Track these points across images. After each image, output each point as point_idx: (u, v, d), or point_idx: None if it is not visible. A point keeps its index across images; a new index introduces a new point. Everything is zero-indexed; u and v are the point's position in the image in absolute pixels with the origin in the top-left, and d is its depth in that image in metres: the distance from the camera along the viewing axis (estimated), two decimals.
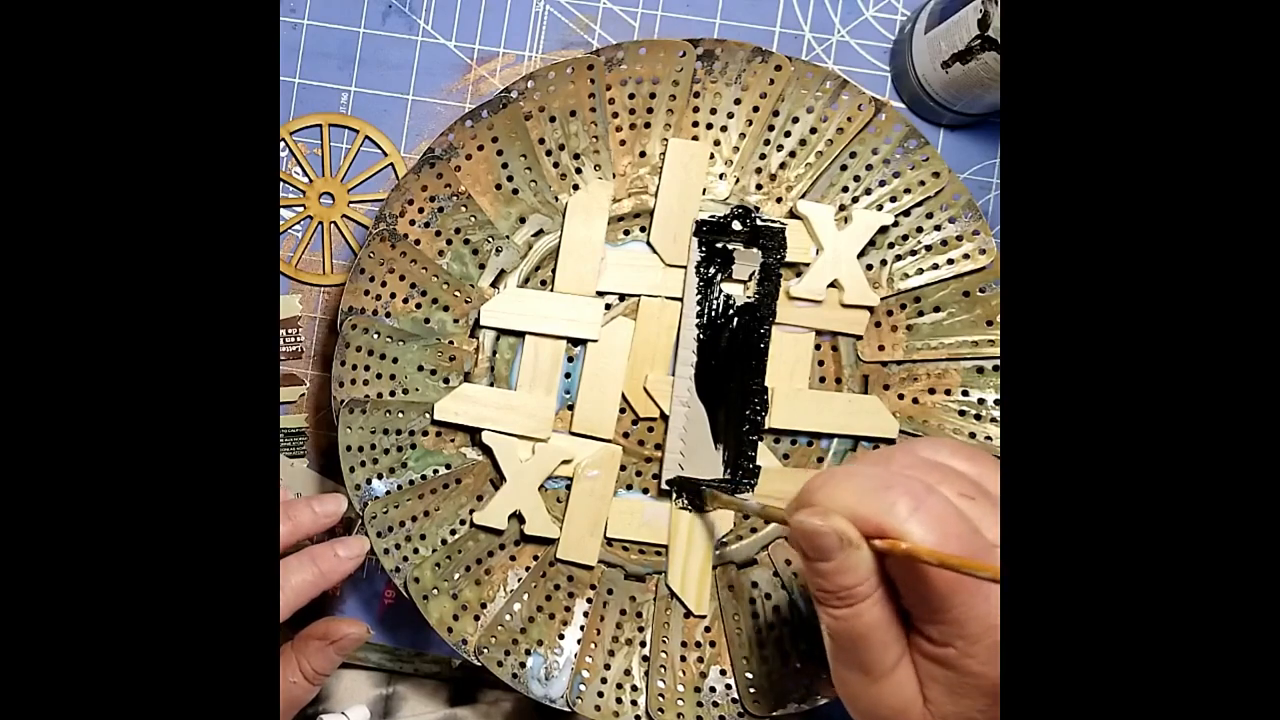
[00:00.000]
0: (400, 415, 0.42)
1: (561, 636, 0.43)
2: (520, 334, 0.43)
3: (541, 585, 0.43)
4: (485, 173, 0.43)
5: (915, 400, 0.43)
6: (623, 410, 0.43)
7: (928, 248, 0.43)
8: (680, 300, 0.43)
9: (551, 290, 0.43)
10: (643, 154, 0.43)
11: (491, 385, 0.43)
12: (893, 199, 0.43)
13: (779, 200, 0.43)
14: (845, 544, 0.29)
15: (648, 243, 0.43)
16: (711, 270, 0.42)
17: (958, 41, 0.40)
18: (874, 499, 0.29)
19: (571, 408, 0.43)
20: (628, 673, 0.43)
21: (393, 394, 0.42)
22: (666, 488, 0.43)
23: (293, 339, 0.48)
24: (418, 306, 0.43)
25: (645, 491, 0.44)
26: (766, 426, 0.43)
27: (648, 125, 0.43)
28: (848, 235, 0.42)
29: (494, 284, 0.43)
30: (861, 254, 0.43)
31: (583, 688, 0.42)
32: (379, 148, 0.47)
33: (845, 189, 0.43)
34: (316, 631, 0.40)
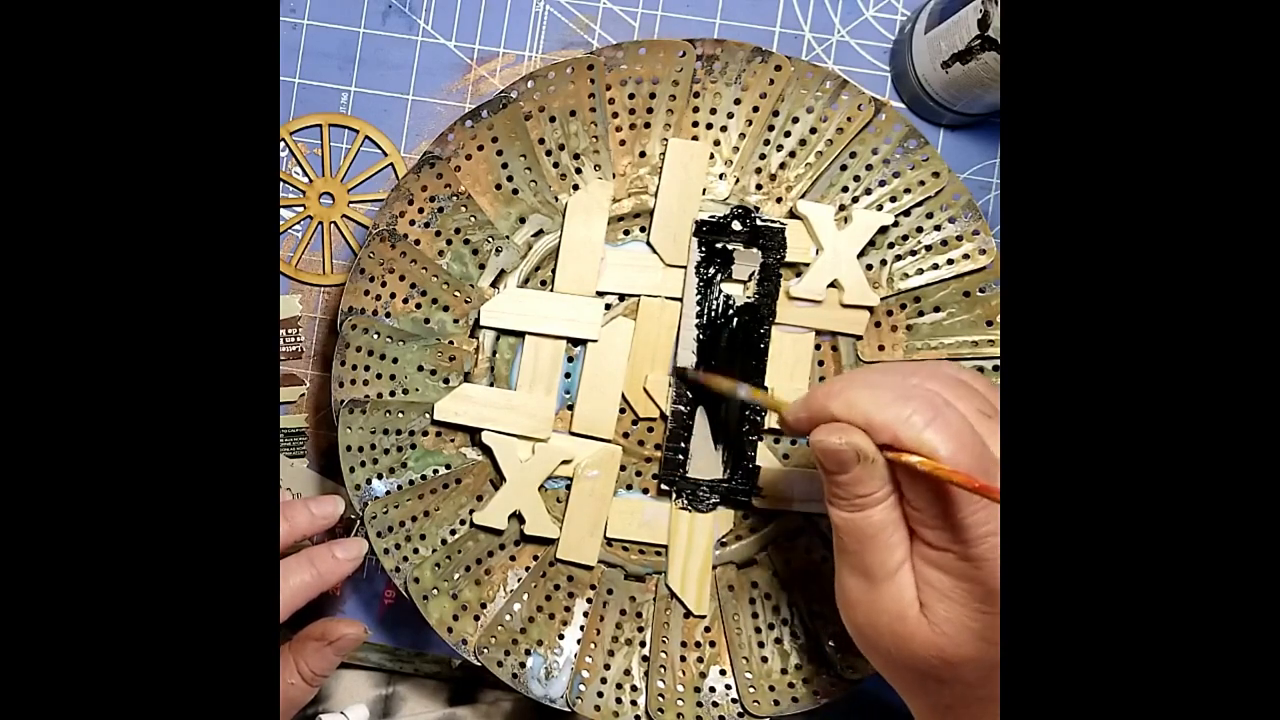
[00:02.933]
0: (400, 415, 0.42)
1: (561, 636, 0.43)
2: (520, 334, 0.43)
3: (541, 585, 0.43)
4: (485, 173, 0.43)
5: None
6: (623, 410, 0.43)
7: (928, 248, 0.43)
8: (680, 300, 0.43)
9: (551, 290, 0.43)
10: (643, 154, 0.43)
11: (491, 385, 0.43)
12: (893, 199, 0.43)
13: (779, 200, 0.43)
14: (862, 459, 0.30)
15: (648, 243, 0.43)
16: (711, 270, 0.42)
17: (958, 41, 0.40)
18: (891, 409, 0.30)
19: (571, 408, 0.43)
20: (628, 673, 0.43)
21: (393, 394, 0.42)
22: (664, 483, 0.43)
23: (293, 339, 0.48)
24: (418, 306, 0.43)
25: (645, 491, 0.44)
26: (766, 426, 0.43)
27: (648, 125, 0.43)
28: (848, 235, 0.42)
29: (494, 284, 0.43)
30: (861, 254, 0.43)
31: (583, 688, 0.42)
32: (379, 148, 0.47)
33: (845, 189, 0.43)
34: (314, 632, 0.40)
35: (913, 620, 0.31)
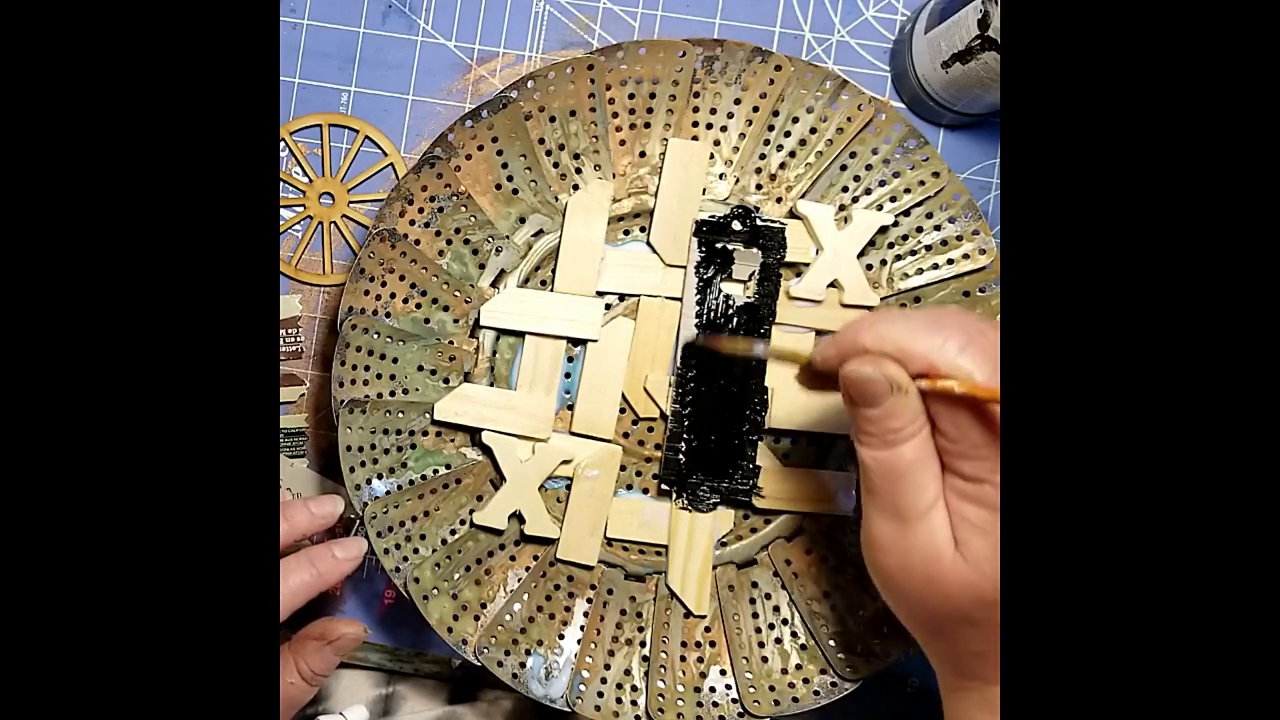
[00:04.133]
0: (400, 415, 0.42)
1: (561, 636, 0.43)
2: (520, 334, 0.43)
3: (541, 585, 0.43)
4: (485, 173, 0.43)
5: None
6: (623, 410, 0.43)
7: (928, 248, 0.43)
8: (680, 300, 0.43)
9: (551, 290, 0.43)
10: (643, 154, 0.43)
11: (491, 385, 0.43)
12: (893, 199, 0.43)
13: (779, 200, 0.43)
14: (895, 389, 0.30)
15: (648, 243, 0.43)
16: (711, 270, 0.42)
17: (958, 41, 0.40)
18: (924, 337, 0.30)
19: (571, 408, 0.43)
20: (628, 673, 0.43)
21: (393, 394, 0.42)
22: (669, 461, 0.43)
23: (293, 339, 0.48)
24: (418, 306, 0.43)
25: (645, 491, 0.44)
26: (766, 426, 0.43)
27: (648, 125, 0.43)
28: (848, 235, 0.42)
29: (494, 284, 0.43)
30: (861, 254, 0.43)
31: (583, 688, 0.42)
32: (379, 148, 0.47)
33: (845, 189, 0.43)
34: (314, 632, 0.40)
35: (948, 560, 0.30)
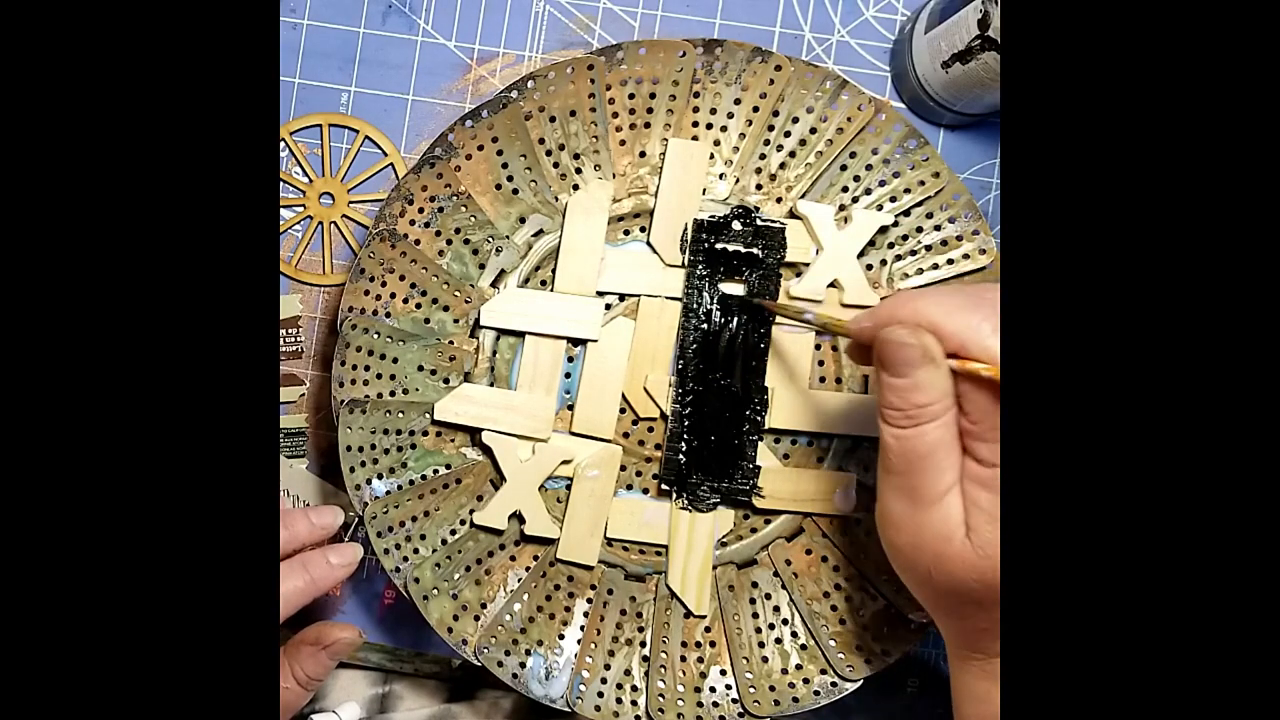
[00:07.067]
0: (400, 415, 0.42)
1: (561, 636, 0.43)
2: (520, 334, 0.43)
3: (541, 585, 0.43)
4: (485, 173, 0.43)
5: None
6: (623, 410, 0.43)
7: (928, 248, 0.43)
8: (681, 300, 0.43)
9: (551, 290, 0.43)
10: (643, 154, 0.43)
11: (491, 385, 0.43)
12: (893, 199, 0.43)
13: (779, 200, 0.43)
14: (927, 360, 0.30)
15: (648, 243, 0.43)
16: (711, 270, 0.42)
17: (958, 41, 0.40)
18: (960, 317, 0.30)
19: (571, 408, 0.43)
20: (628, 673, 0.43)
21: (393, 394, 0.42)
22: (673, 478, 0.43)
23: (293, 339, 0.48)
24: (418, 306, 0.43)
25: (645, 491, 0.44)
26: (766, 426, 0.43)
27: (648, 125, 0.43)
28: (848, 235, 0.42)
29: (494, 284, 0.43)
30: (861, 254, 0.43)
31: (583, 688, 0.42)
32: (379, 148, 0.47)
33: (845, 189, 0.43)
34: (309, 637, 0.40)
35: (958, 543, 0.30)
